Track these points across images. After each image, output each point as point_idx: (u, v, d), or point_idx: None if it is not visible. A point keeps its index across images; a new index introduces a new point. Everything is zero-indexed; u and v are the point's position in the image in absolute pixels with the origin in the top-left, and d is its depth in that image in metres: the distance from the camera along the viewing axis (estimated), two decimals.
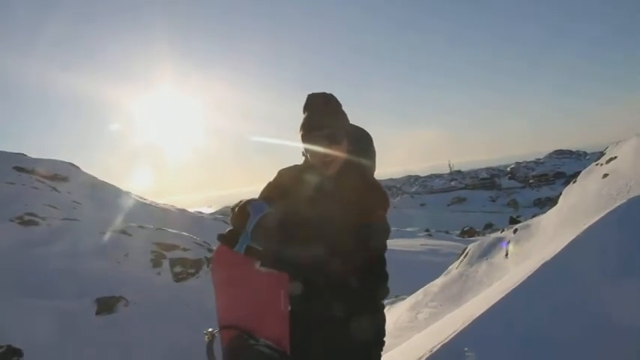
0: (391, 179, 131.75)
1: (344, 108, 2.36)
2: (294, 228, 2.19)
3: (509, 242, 9.56)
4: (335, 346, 2.28)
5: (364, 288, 2.24)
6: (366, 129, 2.46)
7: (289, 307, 2.30)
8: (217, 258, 2.37)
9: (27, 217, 15.49)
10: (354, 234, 2.11)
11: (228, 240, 2.21)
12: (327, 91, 2.36)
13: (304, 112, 2.32)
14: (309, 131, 2.26)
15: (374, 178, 2.41)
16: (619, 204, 5.69)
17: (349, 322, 2.24)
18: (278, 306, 2.25)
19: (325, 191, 2.29)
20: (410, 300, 8.92)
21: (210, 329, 2.24)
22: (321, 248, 2.09)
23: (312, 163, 2.33)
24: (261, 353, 2.16)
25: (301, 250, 2.13)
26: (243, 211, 2.18)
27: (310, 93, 2.37)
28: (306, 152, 2.32)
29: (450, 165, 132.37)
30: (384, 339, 2.39)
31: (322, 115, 2.28)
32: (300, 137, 2.29)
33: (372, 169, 2.41)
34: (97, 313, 10.79)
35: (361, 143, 2.39)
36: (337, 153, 2.25)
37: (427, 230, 40.17)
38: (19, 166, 21.33)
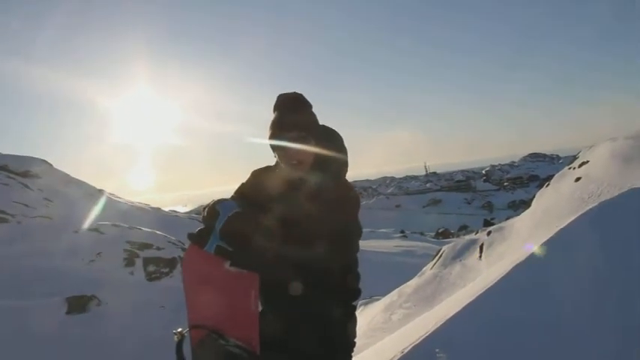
0: (367, 180, 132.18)
1: (320, 108, 2.36)
2: (265, 228, 2.17)
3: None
4: (307, 347, 2.26)
5: (337, 288, 2.24)
6: (339, 129, 2.45)
7: (260, 308, 2.29)
8: (188, 257, 2.36)
9: None
10: (325, 234, 2.09)
11: (198, 239, 2.19)
12: (299, 91, 2.35)
13: (274, 112, 2.31)
14: (278, 131, 2.25)
15: (345, 179, 2.40)
16: (590, 207, 5.76)
17: (322, 322, 2.24)
18: (248, 306, 2.24)
19: (296, 191, 2.27)
20: (384, 301, 8.94)
21: (179, 329, 2.22)
22: (292, 248, 2.08)
23: (282, 163, 2.32)
24: (230, 353, 2.14)
25: (271, 250, 2.11)
26: (212, 210, 2.16)
27: (280, 93, 2.36)
28: (274, 152, 2.31)
29: (425, 167, 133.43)
30: (355, 340, 2.39)
31: (291, 115, 2.27)
32: (268, 137, 2.28)
33: (344, 168, 2.39)
34: (68, 312, 10.63)
35: (331, 143, 2.37)
36: (306, 153, 2.25)
37: (402, 231, 40.38)
38: None
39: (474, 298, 4.41)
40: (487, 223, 32.34)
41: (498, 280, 4.61)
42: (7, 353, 8.48)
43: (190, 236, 2.23)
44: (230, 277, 2.18)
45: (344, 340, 2.34)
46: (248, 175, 2.55)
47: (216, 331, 2.18)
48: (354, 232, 2.28)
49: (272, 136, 2.27)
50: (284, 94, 2.35)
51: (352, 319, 2.37)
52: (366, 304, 9.70)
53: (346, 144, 2.44)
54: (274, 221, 2.20)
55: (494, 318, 3.96)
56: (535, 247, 4.35)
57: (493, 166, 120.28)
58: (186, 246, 2.38)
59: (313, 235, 2.07)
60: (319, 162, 2.29)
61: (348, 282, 2.32)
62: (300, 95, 2.35)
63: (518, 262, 4.91)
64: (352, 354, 2.38)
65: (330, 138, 2.40)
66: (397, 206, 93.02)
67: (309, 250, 2.06)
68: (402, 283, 9.54)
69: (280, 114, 2.28)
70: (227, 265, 2.14)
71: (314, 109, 2.36)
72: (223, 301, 2.25)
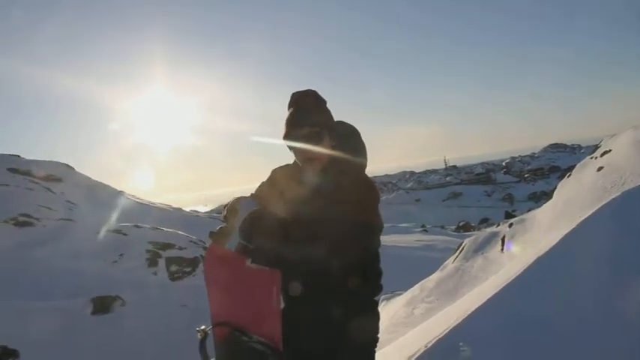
0: (386, 175, 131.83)
1: (337, 104, 2.35)
2: (285, 225, 2.19)
3: (507, 238, 9.56)
4: (330, 345, 2.28)
5: (359, 285, 2.24)
6: (356, 125, 2.45)
7: (282, 305, 2.30)
8: (209, 255, 2.38)
9: (21, 219, 15.49)
10: (347, 231, 2.10)
11: (219, 237, 2.22)
12: (315, 88, 2.35)
13: (288, 110, 2.32)
14: (291, 129, 2.27)
15: (364, 174, 2.39)
16: (613, 197, 5.69)
17: (344, 320, 2.24)
18: (270, 303, 2.25)
19: (314, 189, 2.28)
20: (406, 295, 8.91)
21: (202, 327, 2.24)
22: (312, 246, 2.09)
23: (297, 161, 2.34)
24: (253, 350, 2.16)
25: (292, 247, 2.13)
26: (232, 208, 2.18)
27: (295, 91, 2.36)
28: (289, 150, 2.32)
29: (445, 160, 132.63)
30: (378, 336, 2.39)
31: (304, 112, 2.28)
32: (283, 135, 2.30)
33: (362, 164, 2.38)
34: (93, 312, 10.78)
35: (347, 139, 2.37)
36: (319, 150, 2.26)
37: (423, 226, 40.19)
38: (13, 167, 21.30)
39: (496, 291, 4.39)
40: (508, 215, 32.10)
41: (520, 273, 4.58)
42: (34, 353, 8.62)
43: (212, 234, 2.26)
44: (251, 274, 2.19)
45: (372, 336, 2.35)
46: (268, 174, 2.57)
47: (239, 329, 2.20)
48: (372, 228, 2.27)
49: (285, 134, 2.29)
50: (298, 91, 2.36)
51: (374, 315, 2.38)
52: (388, 299, 9.69)
53: (365, 139, 2.44)
54: (293, 219, 2.23)
55: (517, 311, 3.94)
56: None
57: (513, 158, 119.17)
58: (208, 245, 2.41)
59: (333, 232, 2.08)
60: (336, 159, 2.29)
61: (367, 278, 2.32)
62: (314, 92, 2.35)
63: (539, 254, 4.87)
64: (375, 349, 2.38)
65: (347, 134, 2.40)
66: (417, 200, 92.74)
67: (324, 249, 2.07)
68: (424, 278, 9.52)
69: (294, 111, 2.29)
70: (248, 262, 2.16)
71: (330, 106, 2.35)
72: (245, 298, 2.27)
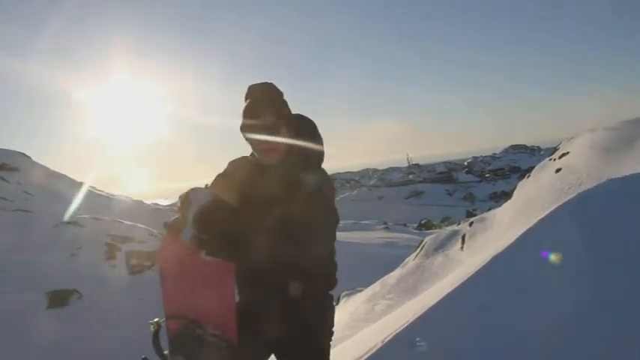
0: (349, 172, 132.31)
1: (301, 98, 2.37)
2: (237, 215, 2.20)
3: None
4: (284, 330, 2.31)
5: (314, 274, 2.25)
6: (319, 119, 2.47)
7: (238, 296, 2.32)
8: (163, 246, 2.37)
9: None
10: (303, 222, 2.11)
11: (173, 229, 2.20)
12: (281, 80, 2.37)
13: (245, 102, 2.33)
14: (247, 120, 2.28)
15: (319, 166, 2.41)
16: (570, 197, 5.84)
17: (299, 307, 2.26)
18: (225, 295, 2.26)
19: (267, 179, 2.30)
20: (367, 292, 8.97)
21: (156, 319, 2.23)
22: (262, 235, 2.09)
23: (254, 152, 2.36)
24: (207, 342, 2.16)
25: (242, 236, 2.13)
26: (186, 199, 2.17)
27: (251, 84, 2.37)
28: (246, 141, 2.34)
29: (408, 158, 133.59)
30: (333, 329, 2.42)
31: (259, 104, 2.29)
32: (240, 127, 2.32)
33: (320, 157, 2.41)
34: (49, 307, 10.55)
35: (304, 130, 2.39)
36: (275, 141, 2.27)
37: (385, 223, 40.41)
38: None
39: (453, 288, 4.48)
40: (469, 214, 32.58)
41: (477, 271, 4.68)
42: None
43: (166, 225, 2.25)
44: (206, 266, 2.19)
45: (325, 324, 2.37)
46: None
47: (194, 321, 2.20)
48: (333, 220, 2.30)
49: (242, 126, 2.30)
50: (254, 84, 2.37)
51: (329, 306, 2.41)
52: (349, 295, 9.75)
53: (328, 135, 2.46)
54: (245, 208, 2.24)
55: (473, 307, 4.02)
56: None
57: (475, 158, 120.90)
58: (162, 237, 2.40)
59: (289, 222, 2.09)
60: (294, 150, 2.31)
61: (324, 269, 2.35)
62: (270, 84, 2.36)
63: (496, 252, 4.98)
64: (330, 342, 2.41)
65: (303, 125, 2.42)
66: (380, 198, 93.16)
67: (286, 239, 2.08)
68: (385, 275, 9.56)
69: (250, 103, 2.31)
70: (202, 254, 2.16)
71: (291, 98, 2.36)
72: (200, 291, 2.27)
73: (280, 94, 2.35)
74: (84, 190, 24.49)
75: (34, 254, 12.70)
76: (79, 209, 18.13)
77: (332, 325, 2.42)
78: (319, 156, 2.42)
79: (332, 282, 2.41)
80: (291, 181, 2.20)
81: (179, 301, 2.28)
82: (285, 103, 2.36)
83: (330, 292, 2.43)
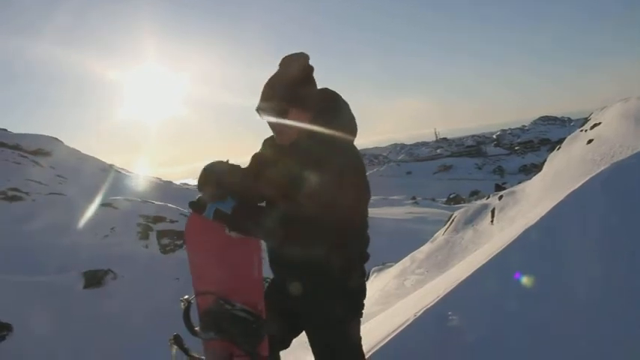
0: (377, 147, 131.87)
1: (328, 75, 2.30)
2: (258, 192, 2.27)
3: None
4: (305, 306, 2.35)
5: (330, 247, 2.16)
6: (344, 96, 2.40)
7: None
8: (189, 226, 2.42)
9: (11, 193, 15.41)
10: (311, 193, 2.07)
11: (197, 207, 2.23)
12: (308, 60, 2.29)
13: None
14: (259, 102, 2.27)
15: (341, 144, 2.29)
16: (602, 169, 5.74)
17: (314, 284, 2.27)
18: (251, 271, 2.29)
19: (286, 158, 2.26)
20: (397, 267, 8.99)
21: (186, 296, 2.28)
22: (280, 209, 2.12)
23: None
24: (237, 317, 2.20)
25: (262, 211, 2.18)
26: (203, 174, 2.21)
27: (285, 55, 2.28)
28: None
29: (435, 133, 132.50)
30: (362, 303, 2.41)
31: (269, 87, 2.26)
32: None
33: (340, 135, 2.27)
34: (85, 286, 10.81)
35: (325, 110, 2.30)
36: (286, 124, 2.24)
37: (413, 198, 40.35)
38: (1, 141, 21.12)
39: (484, 262, 4.45)
40: (498, 188, 32.25)
41: (509, 244, 4.64)
42: (27, 327, 8.67)
43: (191, 204, 2.28)
44: (232, 243, 2.23)
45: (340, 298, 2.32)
46: (258, 145, 2.57)
47: (222, 297, 2.23)
48: (347, 193, 2.15)
49: (257, 107, 2.28)
50: (286, 56, 2.27)
51: (360, 277, 2.40)
52: (379, 270, 9.77)
53: (355, 111, 2.40)
54: (266, 185, 2.27)
55: (504, 281, 4.00)
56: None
57: (504, 131, 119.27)
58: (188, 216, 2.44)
59: (299, 196, 2.07)
60: (309, 133, 2.25)
61: (350, 240, 2.30)
62: (296, 59, 2.26)
63: (528, 225, 4.93)
64: (356, 317, 2.40)
65: (325, 104, 2.32)
66: (408, 173, 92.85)
67: (296, 211, 2.05)
68: (415, 250, 9.58)
69: (268, 81, 2.28)
70: (227, 231, 2.18)
71: (319, 76, 2.28)
72: (227, 268, 2.32)
73: (302, 70, 2.24)
74: (115, 171, 24.89)
75: (70, 236, 12.98)
76: (110, 191, 18.44)
77: (357, 300, 2.39)
78: (341, 134, 2.27)
79: (363, 256, 2.40)
80: (301, 162, 2.14)
81: (208, 278, 2.32)
82: (305, 81, 2.26)
83: (363, 267, 2.42)
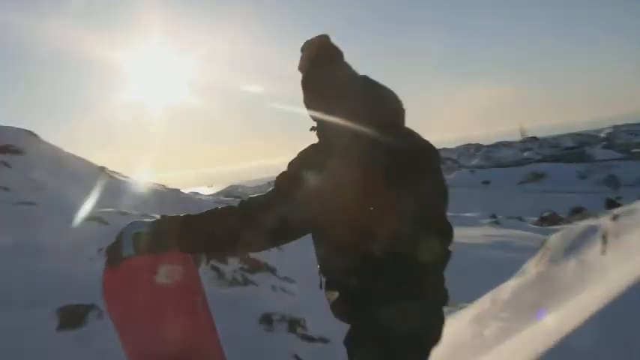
0: (444, 149, 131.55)
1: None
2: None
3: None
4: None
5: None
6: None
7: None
8: (106, 283, 2.45)
9: None
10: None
11: (111, 254, 2.27)
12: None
13: None
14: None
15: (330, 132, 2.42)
16: None
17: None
18: (199, 321, 2.31)
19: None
20: (472, 310, 8.96)
21: None
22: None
23: None
24: None
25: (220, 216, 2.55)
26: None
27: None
28: None
29: (521, 130, 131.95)
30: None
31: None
32: None
33: (336, 121, 2.34)
34: (60, 328, 10.73)
35: (318, 90, 2.43)
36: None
37: (493, 216, 40.23)
38: None
39: (599, 307, 4.24)
40: (611, 204, 31.75)
41: (632, 284, 4.42)
42: None
43: (105, 252, 2.36)
44: (166, 291, 2.27)
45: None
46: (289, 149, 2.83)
47: None
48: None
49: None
50: (306, 41, 2.45)
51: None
52: (448, 313, 9.64)
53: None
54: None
55: (631, 335, 3.77)
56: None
57: (617, 127, 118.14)
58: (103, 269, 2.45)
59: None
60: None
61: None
62: (314, 45, 2.44)
63: None
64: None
65: (330, 84, 2.41)
66: (485, 183, 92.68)
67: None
68: (496, 286, 9.53)
69: None
70: (158, 276, 2.25)
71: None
72: (168, 325, 2.29)
73: (314, 54, 2.45)
74: (106, 176, 25.22)
75: (43, 259, 13.08)
76: (100, 201, 18.63)
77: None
78: (336, 120, 2.35)
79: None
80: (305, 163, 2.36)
81: (146, 347, 2.28)
82: (316, 63, 2.43)
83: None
